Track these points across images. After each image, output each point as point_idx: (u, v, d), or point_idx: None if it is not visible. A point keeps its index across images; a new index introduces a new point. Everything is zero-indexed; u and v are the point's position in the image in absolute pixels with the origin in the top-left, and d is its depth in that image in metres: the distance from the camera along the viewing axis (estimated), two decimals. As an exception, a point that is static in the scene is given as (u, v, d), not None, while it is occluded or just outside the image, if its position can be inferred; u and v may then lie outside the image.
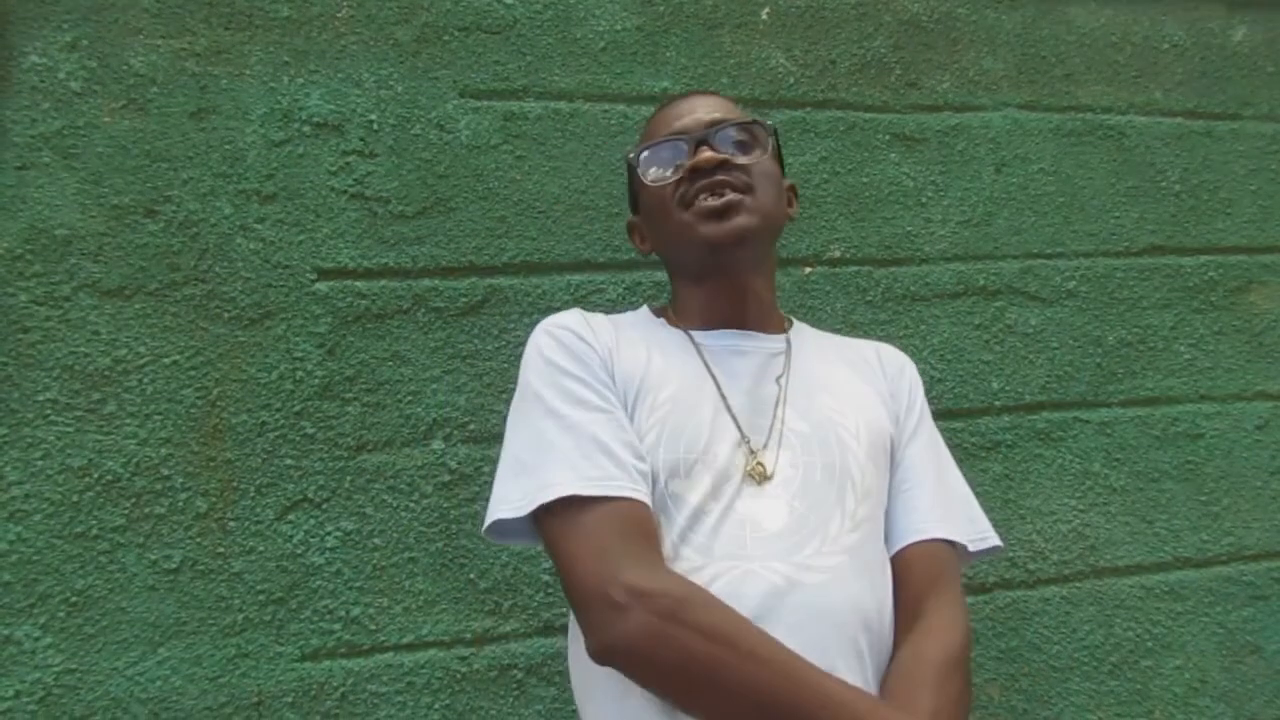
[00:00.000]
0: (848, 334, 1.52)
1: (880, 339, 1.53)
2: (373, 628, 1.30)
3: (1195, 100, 1.75)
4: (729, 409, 0.95)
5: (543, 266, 1.46)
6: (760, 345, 1.03)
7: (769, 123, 1.05)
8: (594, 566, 0.81)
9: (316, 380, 1.35)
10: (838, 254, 1.56)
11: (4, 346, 1.26)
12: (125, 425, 1.28)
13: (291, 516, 1.31)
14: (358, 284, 1.39)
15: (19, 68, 1.32)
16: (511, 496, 0.88)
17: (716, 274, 1.01)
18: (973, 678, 0.97)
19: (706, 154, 0.97)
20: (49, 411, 1.26)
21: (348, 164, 1.41)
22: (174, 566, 1.26)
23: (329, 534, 1.31)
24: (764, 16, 1.61)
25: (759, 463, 0.91)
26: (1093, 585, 1.53)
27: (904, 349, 1.53)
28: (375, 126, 1.43)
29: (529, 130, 1.48)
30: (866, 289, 1.56)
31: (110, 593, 1.24)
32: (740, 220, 0.97)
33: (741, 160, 0.99)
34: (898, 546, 0.97)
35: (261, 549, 1.29)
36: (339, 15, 1.44)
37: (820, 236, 1.56)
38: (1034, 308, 1.61)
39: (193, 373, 1.32)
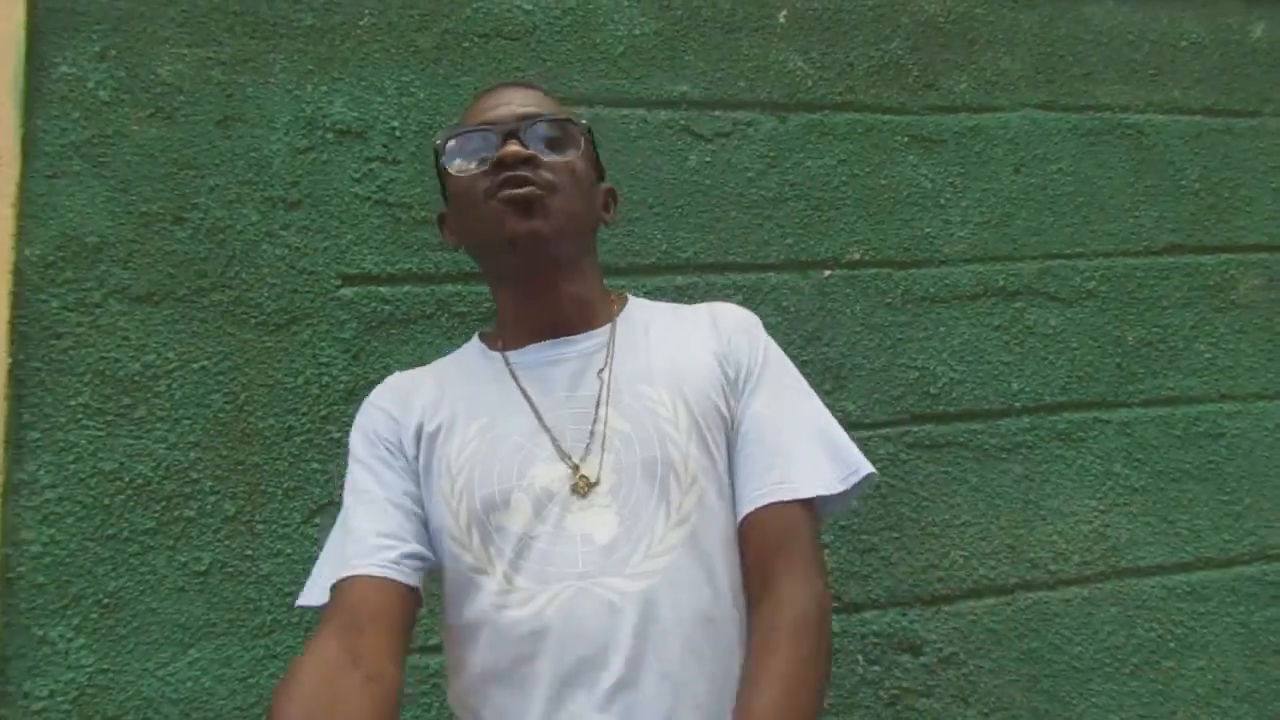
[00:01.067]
0: (867, 337, 1.54)
1: (899, 341, 1.54)
2: (399, 629, 1.32)
3: (1214, 98, 1.75)
4: (545, 427, 0.93)
5: (564, 270, 1.47)
6: (577, 348, 0.98)
7: (583, 122, 1.01)
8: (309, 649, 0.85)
9: (342, 385, 1.37)
10: (857, 256, 1.57)
11: (37, 352, 1.28)
12: (155, 429, 1.30)
13: (318, 519, 1.33)
14: (382, 289, 1.41)
15: (49, 78, 1.34)
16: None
17: (523, 274, 0.98)
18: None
19: (512, 148, 0.92)
20: (81, 416, 1.28)
21: (371, 170, 1.43)
22: (203, 569, 1.28)
23: (355, 536, 1.33)
24: (781, 20, 1.61)
25: (582, 475, 0.89)
26: (1114, 586, 1.53)
27: (923, 351, 1.55)
28: (398, 133, 1.45)
29: (549, 135, 1.50)
30: (886, 291, 1.56)
31: (141, 594, 1.26)
32: (537, 221, 0.92)
33: (549, 158, 0.95)
34: (740, 515, 0.93)
35: (289, 551, 1.31)
36: (361, 23, 1.46)
37: (839, 239, 1.56)
38: (1054, 308, 1.61)
39: (220, 377, 1.34)
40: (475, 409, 0.95)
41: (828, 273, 1.55)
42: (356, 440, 0.98)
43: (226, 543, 1.29)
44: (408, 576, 0.88)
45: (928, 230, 1.60)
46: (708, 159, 1.55)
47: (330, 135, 1.43)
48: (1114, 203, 1.67)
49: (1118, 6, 1.73)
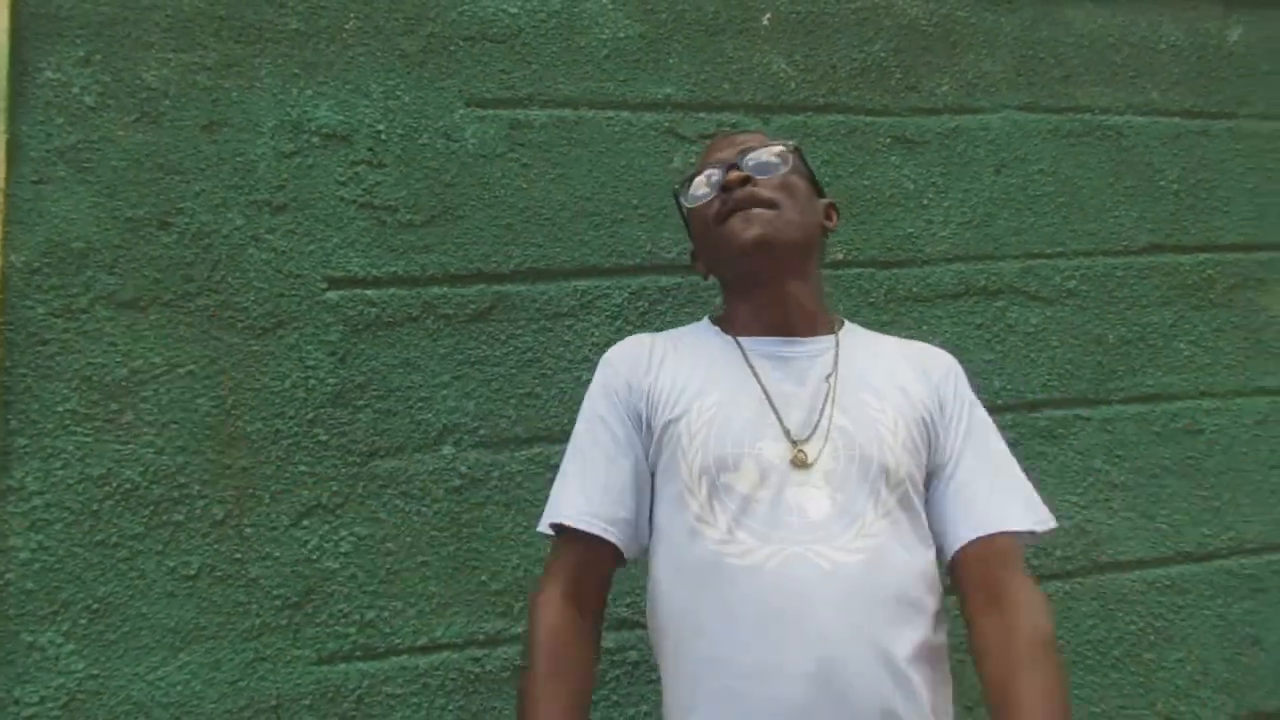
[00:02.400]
0: (851, 335, 1.55)
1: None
2: (387, 630, 1.33)
3: (1192, 100, 1.77)
4: (773, 407, 1.06)
5: (549, 273, 1.48)
6: (804, 349, 1.12)
7: (790, 142, 1.17)
8: (544, 583, 1.08)
9: (329, 388, 1.37)
10: (841, 256, 1.58)
11: (23, 358, 1.28)
12: (143, 434, 1.31)
13: (306, 522, 1.33)
14: (368, 292, 1.41)
15: (34, 83, 1.34)
16: (543, 520, 1.12)
17: (755, 282, 1.13)
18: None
19: (733, 175, 1.11)
20: (68, 422, 1.28)
21: (357, 174, 1.44)
22: (192, 573, 1.29)
23: (343, 539, 1.34)
24: (765, 22, 1.62)
25: (800, 450, 1.02)
26: (1095, 580, 1.55)
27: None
28: (383, 136, 1.45)
29: (534, 138, 1.51)
30: (869, 290, 1.58)
31: (130, 599, 1.26)
32: (756, 230, 1.08)
33: (766, 178, 1.11)
34: (963, 542, 1.06)
35: (277, 554, 1.31)
36: (346, 27, 1.46)
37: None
38: (1035, 307, 1.63)
39: (207, 382, 1.34)
40: (714, 383, 1.08)
41: (812, 273, 1.56)
42: (597, 394, 1.13)
43: (215, 546, 1.30)
44: (620, 539, 1.06)
45: (910, 230, 1.62)
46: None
47: (316, 139, 1.43)
48: (1094, 203, 1.69)
49: (1098, 10, 1.75)
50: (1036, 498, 1.12)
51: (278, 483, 1.33)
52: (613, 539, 1.06)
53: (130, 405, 1.31)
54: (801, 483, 1.01)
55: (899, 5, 1.68)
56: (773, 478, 1.01)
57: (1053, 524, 1.10)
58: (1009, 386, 1.59)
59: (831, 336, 1.14)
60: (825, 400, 1.07)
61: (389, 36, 1.47)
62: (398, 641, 1.33)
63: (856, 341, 1.16)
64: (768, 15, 1.63)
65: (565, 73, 1.54)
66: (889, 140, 1.64)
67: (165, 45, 1.39)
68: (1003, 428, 1.57)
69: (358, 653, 1.31)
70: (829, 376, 1.09)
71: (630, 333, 1.48)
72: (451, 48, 1.50)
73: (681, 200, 1.20)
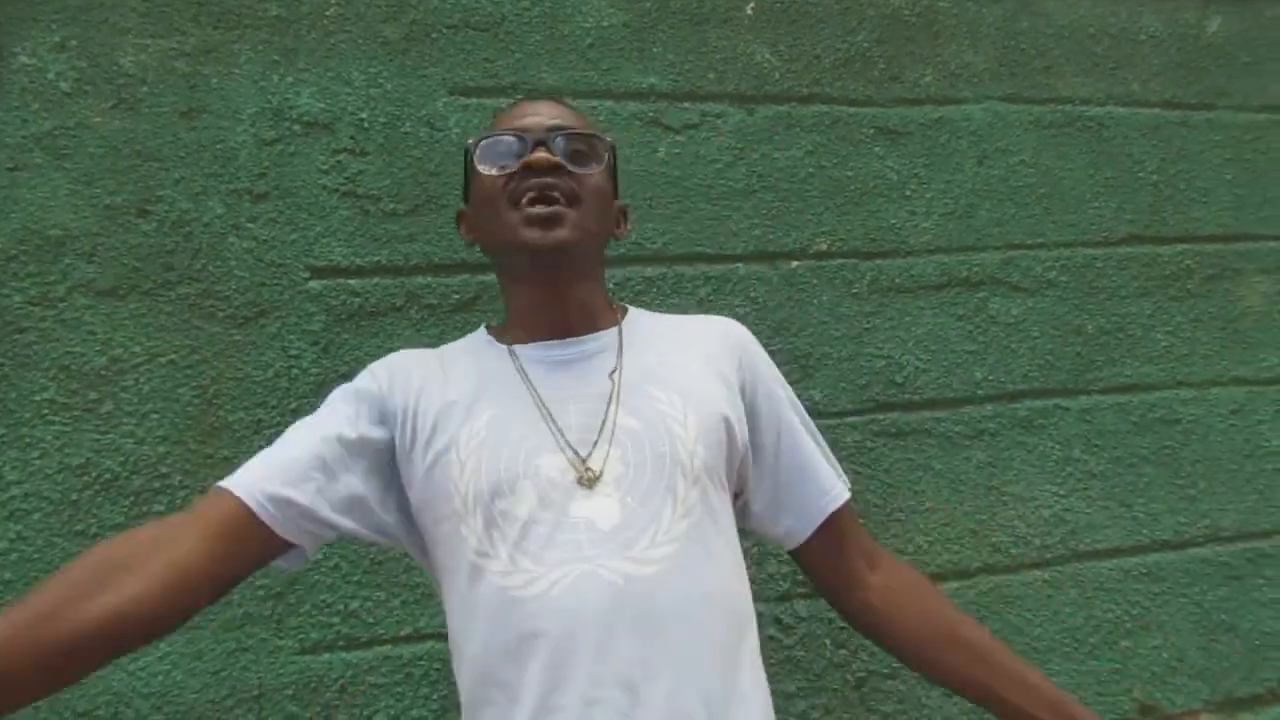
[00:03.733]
0: (834, 327, 1.56)
1: (865, 330, 1.57)
2: (370, 621, 1.33)
3: (1172, 91, 1.78)
4: (551, 419, 0.97)
5: (533, 262, 1.47)
6: (584, 348, 1.03)
7: (609, 138, 1.06)
8: None
9: (311, 377, 1.37)
10: (824, 247, 1.59)
11: (0, 347, 1.27)
12: (123, 424, 1.30)
13: (289, 512, 1.32)
14: (350, 282, 1.41)
15: (8, 68, 1.32)
16: None
17: (536, 280, 1.03)
18: None
19: (540, 154, 0.98)
20: (46, 411, 1.27)
21: (339, 162, 1.43)
22: (173, 563, 1.28)
23: (326, 529, 1.33)
24: (749, 12, 1.62)
25: (588, 468, 0.94)
26: (1073, 568, 1.57)
27: (889, 340, 1.58)
28: (366, 125, 1.44)
29: (518, 127, 1.50)
30: (852, 281, 1.59)
31: (111, 590, 1.25)
32: (560, 233, 0.97)
33: (574, 170, 1.00)
34: (824, 516, 1.07)
35: (260, 544, 1.31)
36: (327, 13, 1.45)
37: (806, 230, 1.58)
38: (1016, 298, 1.64)
39: (189, 371, 1.33)
40: (484, 400, 0.98)
41: (795, 264, 1.57)
42: (349, 394, 1.01)
43: (196, 537, 1.29)
44: (283, 527, 0.91)
45: (893, 221, 1.62)
46: (676, 150, 1.56)
47: (297, 127, 1.42)
48: (1074, 194, 1.70)
49: (1078, 1, 1.76)
50: (835, 463, 1.12)
51: (260, 473, 1.33)
52: (264, 517, 0.90)
53: (110, 394, 1.30)
54: (588, 495, 0.92)
55: (883, -4, 1.68)
56: (554, 495, 0.92)
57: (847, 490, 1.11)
58: (990, 377, 1.61)
59: (614, 329, 1.06)
60: (609, 401, 0.98)
61: (371, 23, 1.46)
62: (381, 631, 1.33)
63: (640, 330, 1.07)
64: (751, 5, 1.63)
65: (549, 61, 1.53)
66: (872, 131, 1.64)
67: (142, 30, 1.37)
68: (984, 418, 1.60)
69: (341, 642, 1.31)
70: (612, 373, 1.00)
71: (614, 322, 1.48)
72: (434, 35, 1.49)
73: (472, 157, 1.04)
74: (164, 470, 1.30)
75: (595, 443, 0.95)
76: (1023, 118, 1.70)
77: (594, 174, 1.02)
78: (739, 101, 1.60)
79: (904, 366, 1.58)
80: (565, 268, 1.01)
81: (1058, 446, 1.61)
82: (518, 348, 1.03)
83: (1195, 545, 1.63)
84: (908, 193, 1.64)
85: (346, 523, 0.96)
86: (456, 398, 0.99)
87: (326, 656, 1.31)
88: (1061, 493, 1.60)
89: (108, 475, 1.28)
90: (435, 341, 1.41)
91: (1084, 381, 1.64)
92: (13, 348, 1.27)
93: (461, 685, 0.95)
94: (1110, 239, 1.71)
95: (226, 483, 0.93)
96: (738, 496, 1.07)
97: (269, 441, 1.32)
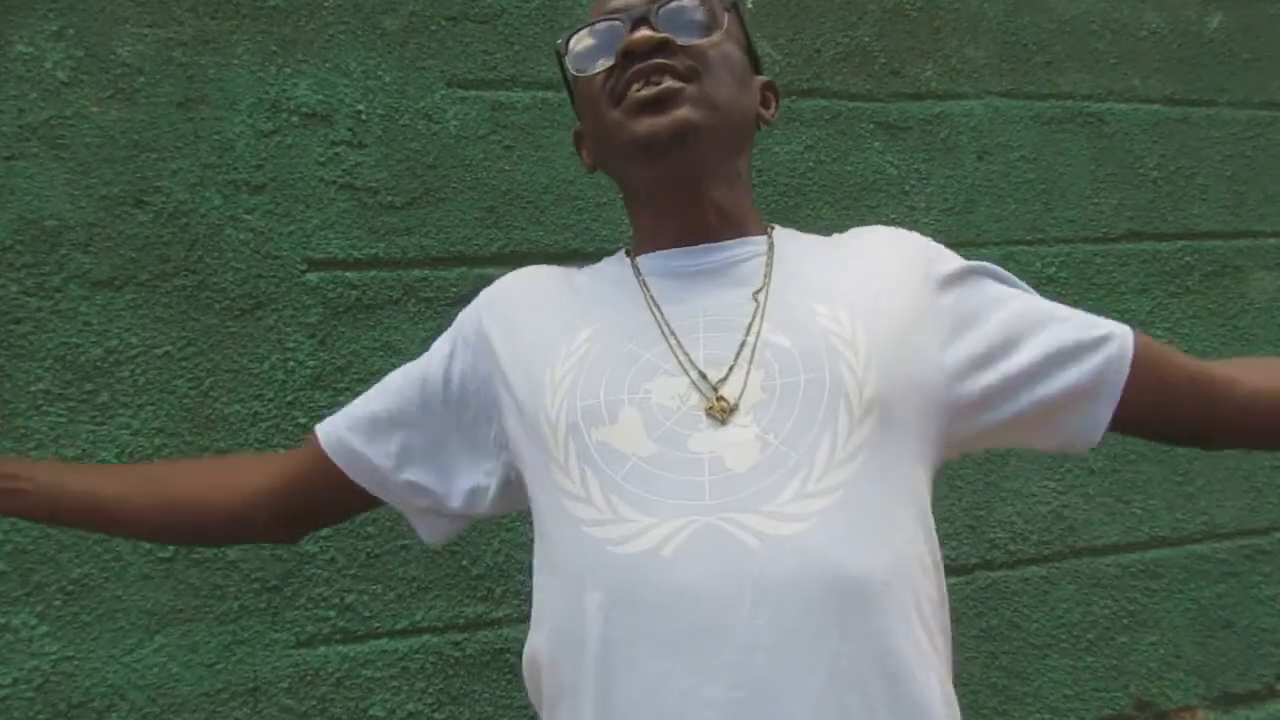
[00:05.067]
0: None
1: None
2: (367, 614, 1.32)
3: (1173, 87, 1.78)
4: (672, 334, 0.78)
5: (531, 256, 1.47)
6: (725, 255, 0.84)
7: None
8: None
9: (308, 370, 1.36)
10: (823, 241, 1.58)
11: (-5, 338, 1.26)
12: (118, 415, 1.29)
13: (285, 504, 1.32)
14: (348, 274, 1.40)
15: (5, 57, 1.31)
16: None
17: (661, 186, 0.84)
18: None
19: (642, 33, 0.79)
20: (41, 402, 1.26)
21: (337, 154, 1.42)
22: (169, 555, 1.27)
23: (323, 521, 1.33)
24: (749, 5, 1.62)
25: (720, 396, 0.73)
26: (1071, 565, 1.57)
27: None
28: (364, 117, 1.44)
29: (517, 120, 1.49)
30: (851, 276, 1.58)
31: (106, 581, 1.25)
32: (681, 112, 0.77)
33: (688, 41, 0.80)
34: (1124, 375, 0.80)
35: (256, 537, 1.31)
36: (326, 4, 1.44)
37: (806, 225, 1.54)
38: (1015, 293, 1.64)
39: (184, 363, 1.32)
40: (590, 317, 0.82)
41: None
42: (451, 331, 0.96)
43: (192, 529, 1.29)
44: (357, 474, 0.91)
45: (893, 217, 1.62)
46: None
47: (295, 118, 1.41)
48: (1074, 190, 1.70)
49: (1080, -5, 1.76)
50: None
51: (256, 465, 1.32)
52: (339, 461, 0.89)
53: (105, 386, 1.29)
54: (716, 427, 0.72)
55: (883, -11, 1.68)
56: (670, 425, 0.72)
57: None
58: (989, 372, 1.60)
59: (763, 237, 0.87)
60: (755, 316, 0.77)
61: (369, 14, 1.45)
62: (377, 625, 1.33)
63: (795, 243, 0.88)
64: (752, -2, 1.62)
65: (548, 54, 1.52)
66: (872, 126, 1.64)
67: (140, 20, 1.37)
68: (982, 413, 1.59)
69: (337, 636, 1.31)
70: (757, 292, 0.80)
71: (612, 316, 1.48)
72: (433, 27, 1.48)
73: (566, 62, 0.87)
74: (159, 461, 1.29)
75: (732, 366, 0.75)
76: (1023, 113, 1.70)
77: (715, 41, 0.81)
78: (739, 95, 1.59)
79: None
80: (695, 161, 0.80)
81: (1056, 442, 1.61)
82: (642, 259, 0.86)
83: (1193, 542, 1.63)
84: (907, 188, 1.63)
85: (429, 482, 0.90)
86: (559, 318, 0.83)
87: (323, 650, 1.30)
88: (1060, 489, 1.59)
89: (103, 467, 1.27)
90: (433, 335, 1.37)
91: (1083, 378, 1.64)
92: (8, 338, 1.27)
93: (540, 672, 0.76)
94: (1110, 235, 1.70)
95: (319, 431, 0.95)
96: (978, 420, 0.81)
97: (265, 434, 1.33)
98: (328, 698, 1.29)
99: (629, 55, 0.79)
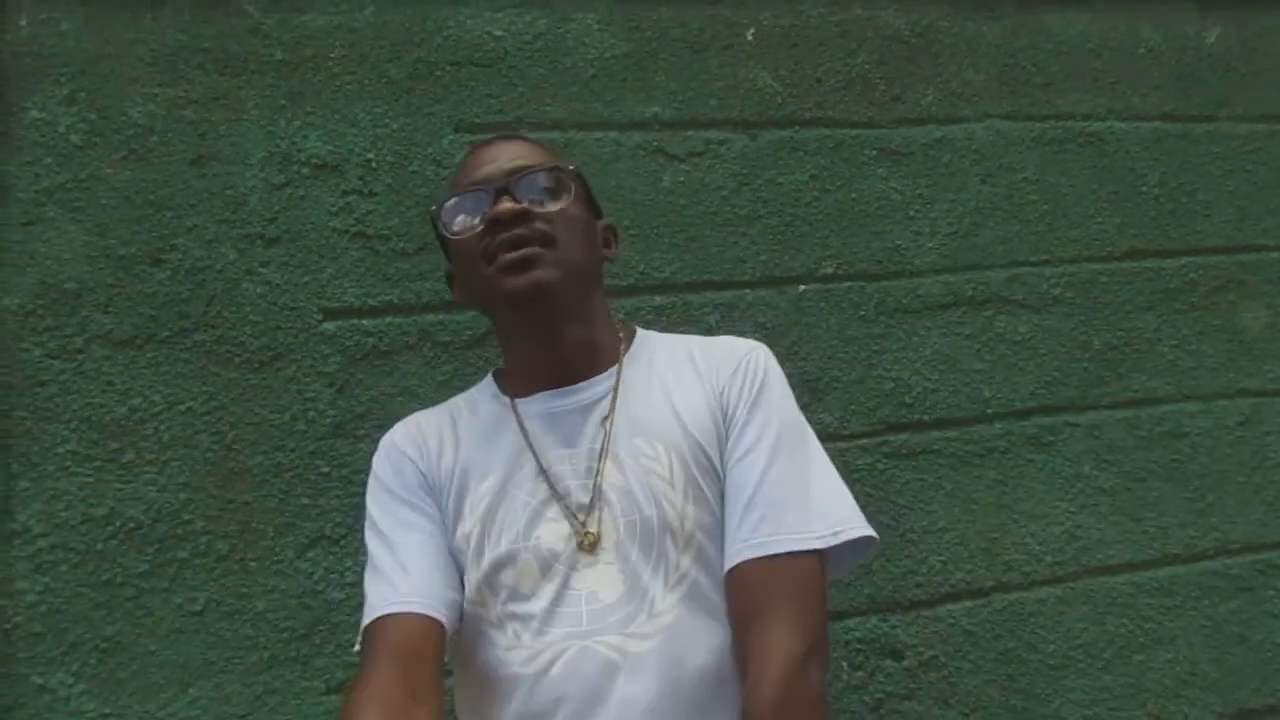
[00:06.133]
0: (842, 350, 1.57)
1: (874, 352, 1.58)
2: (394, 659, 1.34)
3: (1172, 104, 1.79)
4: (550, 483, 0.95)
5: (543, 297, 1.49)
6: (581, 398, 1.00)
7: (571, 167, 1.02)
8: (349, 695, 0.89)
9: (329, 419, 1.38)
10: (830, 270, 1.60)
11: (21, 401, 1.29)
12: (144, 473, 1.31)
13: (311, 554, 1.34)
14: (364, 322, 1.42)
15: (20, 123, 1.34)
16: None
17: (529, 328, 1.00)
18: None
19: (505, 205, 0.95)
20: (69, 463, 1.29)
21: (348, 204, 1.44)
22: (199, 609, 1.30)
23: (348, 569, 1.35)
24: (749, 37, 1.63)
25: (587, 531, 0.92)
26: (1085, 585, 1.59)
27: (897, 361, 1.60)
28: (373, 165, 1.46)
29: (524, 162, 1.51)
30: (859, 304, 1.60)
31: (139, 637, 1.28)
32: (538, 273, 0.94)
33: (544, 209, 0.96)
34: (724, 572, 0.93)
35: (283, 587, 1.33)
36: (332, 55, 1.46)
37: (813, 254, 1.59)
38: (1022, 315, 1.66)
39: (207, 418, 1.35)
40: (487, 464, 0.98)
41: (803, 288, 1.58)
42: (388, 479, 1.00)
43: (221, 582, 1.31)
44: (447, 619, 0.92)
45: (898, 242, 1.63)
46: (681, 179, 1.57)
47: (306, 170, 1.43)
48: (1078, 209, 1.71)
49: (1077, 16, 1.77)
50: (840, 508, 0.94)
51: (281, 516, 1.35)
52: (440, 616, 0.90)
53: (131, 444, 1.31)
54: (591, 563, 0.91)
55: (882, 17, 1.69)
56: (557, 566, 0.91)
57: (854, 532, 0.93)
58: (998, 395, 1.62)
59: (614, 370, 1.01)
60: (601, 455, 0.95)
61: (375, 64, 1.47)
62: (404, 669, 1.35)
63: (638, 368, 1.02)
64: (751, 30, 1.63)
65: (552, 94, 1.54)
66: (875, 153, 1.65)
67: (150, 80, 1.39)
68: (994, 437, 1.61)
69: (365, 682, 1.33)
70: (605, 420, 0.97)
71: (625, 354, 1.50)
72: (438, 73, 1.50)
73: (439, 225, 1.02)
74: (186, 517, 1.32)
75: (590, 503, 0.93)
76: (1025, 135, 1.71)
77: (564, 207, 0.98)
78: (742, 127, 1.61)
79: (913, 387, 1.60)
80: (553, 309, 0.97)
81: (1067, 463, 1.62)
82: (519, 402, 1.02)
83: (1206, 558, 1.65)
84: (912, 213, 1.65)
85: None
86: (467, 460, 0.98)
87: (352, 696, 1.32)
88: (1072, 509, 1.61)
89: (131, 524, 1.30)
90: (449, 379, 1.43)
91: (1092, 397, 1.66)
92: (34, 400, 1.29)
93: None
94: (1114, 254, 1.72)
95: (384, 610, 0.91)
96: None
97: (288, 484, 1.35)
98: (359, 744, 1.31)
99: (496, 223, 0.95)
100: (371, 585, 0.95)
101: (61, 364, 1.31)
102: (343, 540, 1.35)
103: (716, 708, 0.89)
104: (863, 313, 1.60)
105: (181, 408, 1.34)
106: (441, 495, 0.98)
